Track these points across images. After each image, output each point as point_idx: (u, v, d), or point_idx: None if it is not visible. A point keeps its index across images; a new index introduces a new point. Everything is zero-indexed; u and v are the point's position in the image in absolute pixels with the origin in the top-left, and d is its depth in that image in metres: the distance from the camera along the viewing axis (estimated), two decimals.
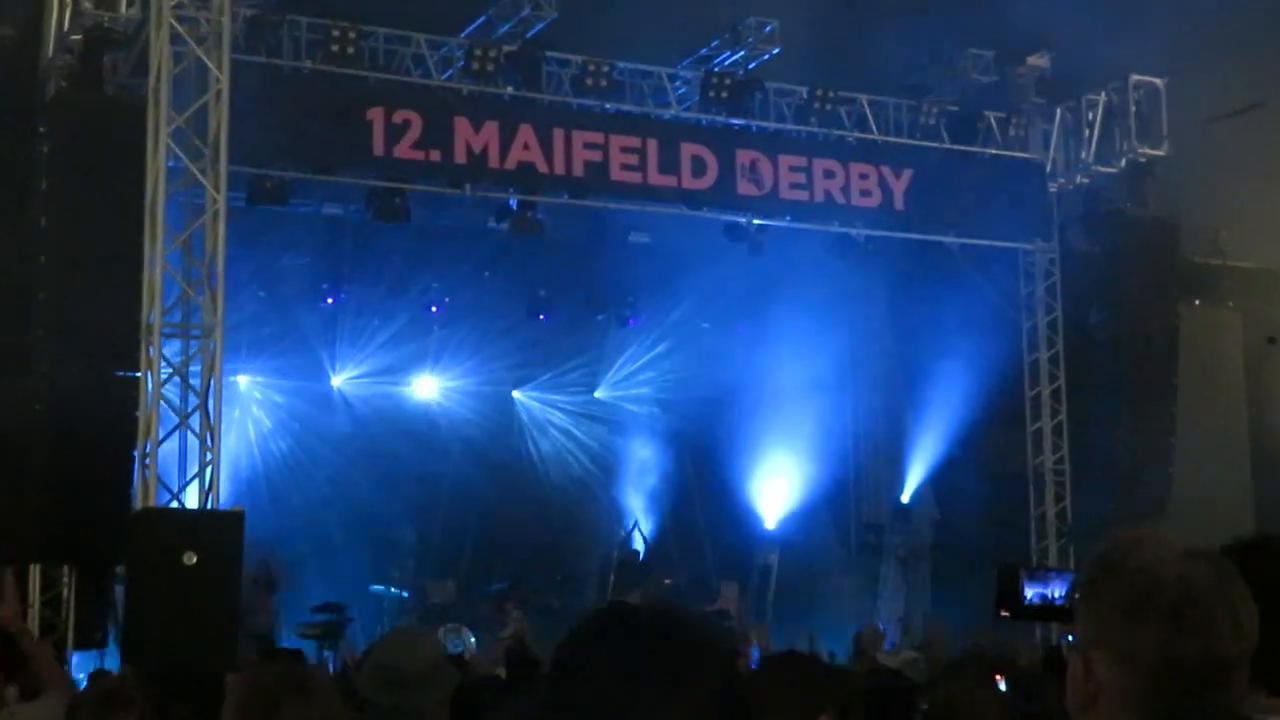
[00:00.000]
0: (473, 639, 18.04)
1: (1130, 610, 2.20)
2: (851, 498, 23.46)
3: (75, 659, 14.29)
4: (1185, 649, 2.18)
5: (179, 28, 14.27)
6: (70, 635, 14.60)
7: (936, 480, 21.85)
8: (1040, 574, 3.03)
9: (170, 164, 14.14)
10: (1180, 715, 2.16)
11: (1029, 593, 3.06)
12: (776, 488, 22.47)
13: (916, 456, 22.21)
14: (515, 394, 22.23)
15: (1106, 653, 2.22)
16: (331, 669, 14.81)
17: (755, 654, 13.81)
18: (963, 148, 19.77)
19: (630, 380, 22.60)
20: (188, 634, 12.26)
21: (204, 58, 14.27)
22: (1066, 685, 2.27)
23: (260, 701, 3.79)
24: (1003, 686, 9.11)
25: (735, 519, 22.31)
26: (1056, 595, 3.03)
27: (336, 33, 16.62)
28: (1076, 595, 2.31)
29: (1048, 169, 20.43)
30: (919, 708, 6.71)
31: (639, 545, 21.69)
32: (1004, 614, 3.21)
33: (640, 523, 21.83)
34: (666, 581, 20.83)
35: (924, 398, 21.78)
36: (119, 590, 14.85)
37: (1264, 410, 22.07)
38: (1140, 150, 19.80)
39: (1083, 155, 20.26)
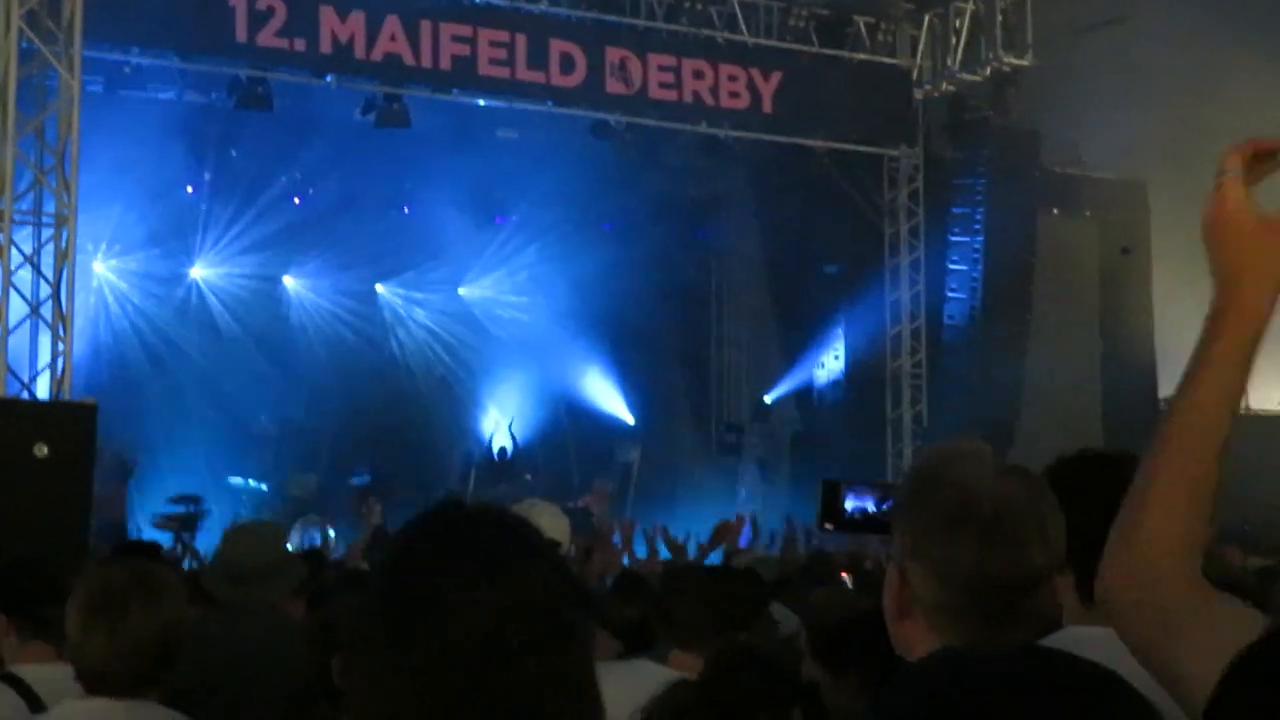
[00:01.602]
0: (332, 532, 17.91)
1: (946, 524, 2.27)
2: (714, 399, 23.80)
3: None
4: (997, 562, 2.26)
5: None
6: None
7: (798, 383, 22.17)
8: (859, 487, 3.11)
9: (23, 46, 13.73)
10: (990, 623, 2.24)
11: (849, 505, 3.15)
12: (639, 387, 22.70)
13: (778, 359, 22.63)
14: (378, 288, 22.11)
15: (921, 564, 2.29)
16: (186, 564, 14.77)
17: (616, 541, 14.08)
18: (831, 52, 19.83)
19: (495, 279, 22.59)
20: (38, 528, 11.98)
21: None
22: (883, 595, 2.34)
23: (108, 602, 3.77)
24: (849, 584, 9.38)
25: (598, 418, 22.53)
26: (872, 508, 3.12)
27: None
28: (895, 508, 2.38)
29: (914, 76, 20.58)
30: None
31: (505, 443, 21.75)
32: (827, 526, 3.31)
33: (514, 422, 21.85)
34: (528, 477, 20.99)
35: (788, 301, 22.21)
36: None
37: (1116, 319, 22.52)
38: (1005, 59, 19.95)
39: (949, 63, 20.40)
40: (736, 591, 5.33)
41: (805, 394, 22.20)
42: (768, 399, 22.78)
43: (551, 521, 6.46)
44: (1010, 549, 2.25)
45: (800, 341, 21.94)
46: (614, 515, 19.49)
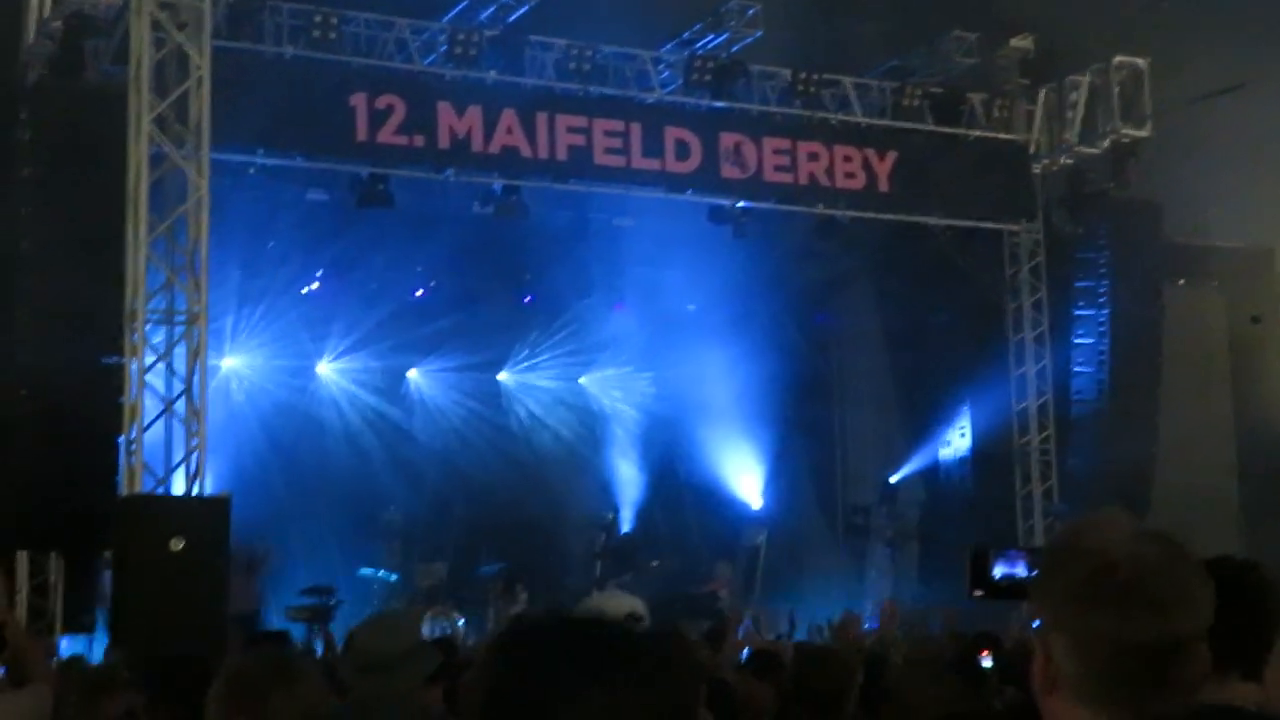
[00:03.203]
0: (461, 621, 18.26)
1: (1081, 594, 2.21)
2: (839, 480, 23.60)
3: (64, 643, 14.27)
4: (1137, 628, 2.19)
5: (159, 14, 14.23)
6: (58, 621, 14.60)
7: (924, 462, 21.94)
8: (1009, 554, 3.07)
9: (152, 151, 14.10)
10: (1137, 694, 2.17)
11: (998, 572, 3.11)
12: (764, 470, 22.60)
13: (903, 439, 22.44)
14: (501, 378, 22.26)
15: (1062, 636, 2.23)
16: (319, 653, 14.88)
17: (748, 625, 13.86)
18: (946, 129, 19.78)
19: (616, 364, 22.67)
20: (175, 620, 12.22)
21: (185, 44, 14.21)
22: (1033, 670, 2.28)
23: (246, 690, 3.80)
24: (988, 663, 9.18)
25: (722, 501, 22.45)
26: (1022, 574, 3.07)
27: (318, 18, 16.50)
28: (1034, 582, 2.33)
29: (1031, 150, 20.46)
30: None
31: (628, 532, 21.72)
32: (977, 593, 3.26)
33: (619, 513, 21.86)
34: (654, 564, 20.90)
35: (910, 381, 22.09)
36: (107, 575, 14.75)
37: (1249, 389, 22.14)
38: (1123, 131, 19.80)
39: (1066, 136, 20.26)
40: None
41: (931, 474, 21.98)
42: (893, 480, 22.58)
43: (629, 602, 6.37)
44: (1150, 614, 2.18)
45: (924, 421, 21.77)
46: (742, 600, 19.63)
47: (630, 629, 1.92)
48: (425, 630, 16.24)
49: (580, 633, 1.88)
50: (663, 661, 1.86)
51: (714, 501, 22.35)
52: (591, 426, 22.60)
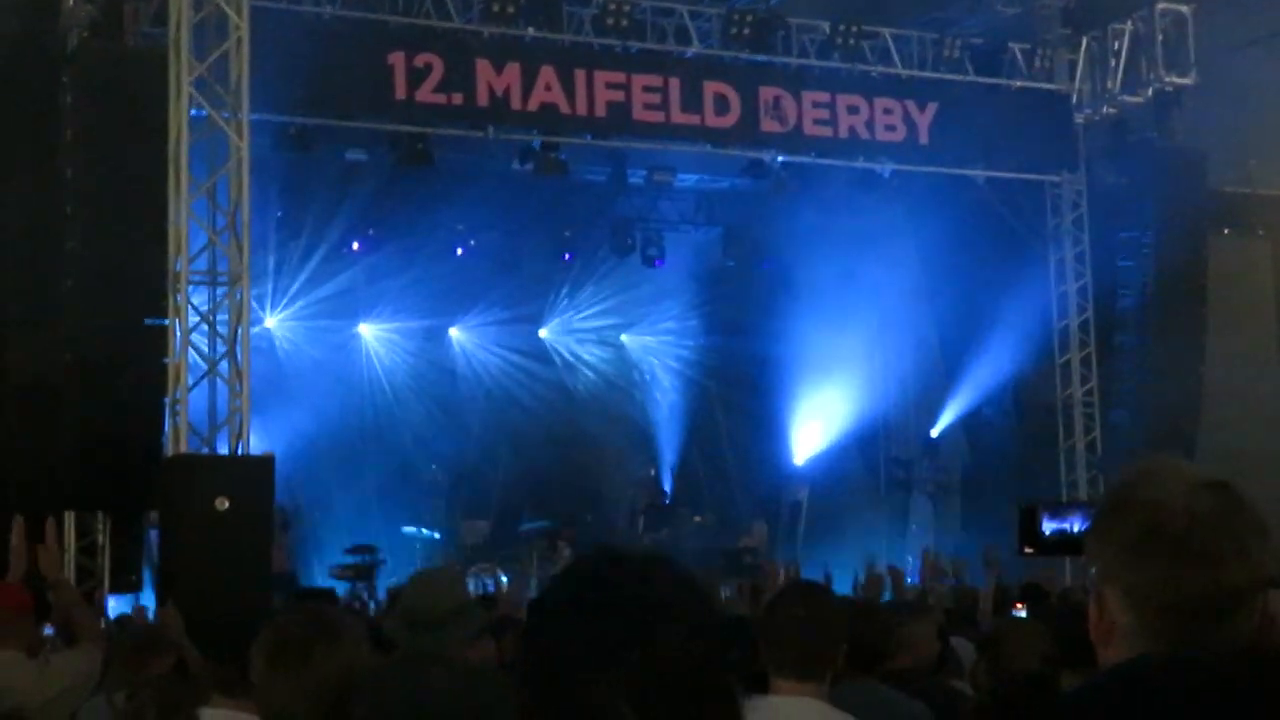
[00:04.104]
0: (505, 579, 18.25)
1: (1135, 546, 2.18)
2: (881, 434, 23.44)
3: (111, 601, 14.48)
4: (1189, 582, 2.17)
5: None
6: (106, 580, 14.77)
7: (966, 415, 21.79)
8: (1059, 509, 3.04)
9: (193, 113, 14.12)
10: (1186, 645, 2.14)
11: (1048, 528, 3.08)
12: (806, 425, 22.47)
13: (946, 391, 22.20)
14: (542, 334, 22.25)
15: (1116, 588, 2.21)
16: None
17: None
18: (988, 80, 19.63)
19: (657, 321, 22.61)
20: (221, 579, 12.25)
21: (224, 5, 14.19)
22: (1089, 620, 2.26)
23: (289, 647, 3.82)
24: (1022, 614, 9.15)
25: (765, 457, 22.37)
26: (1076, 529, 3.04)
27: None
28: (1088, 534, 2.30)
29: (1073, 100, 20.28)
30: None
31: (669, 488, 21.73)
32: (1028, 550, 3.23)
33: (660, 470, 21.82)
34: (696, 519, 20.95)
35: (953, 333, 21.87)
36: (153, 535, 15.07)
37: None
38: (1167, 79, 19.60)
39: (1109, 85, 20.07)
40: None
41: (974, 426, 21.86)
42: (934, 432, 22.50)
43: None
44: (1204, 567, 2.15)
45: (966, 373, 21.57)
46: (785, 555, 19.45)
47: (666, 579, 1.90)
48: (470, 587, 16.23)
49: (612, 595, 1.87)
50: (696, 625, 1.86)
51: (755, 457, 22.26)
52: (632, 383, 22.59)
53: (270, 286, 19.82)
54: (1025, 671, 5.16)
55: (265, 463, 13.70)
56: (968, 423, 21.99)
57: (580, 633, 1.83)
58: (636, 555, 1.95)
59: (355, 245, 20.34)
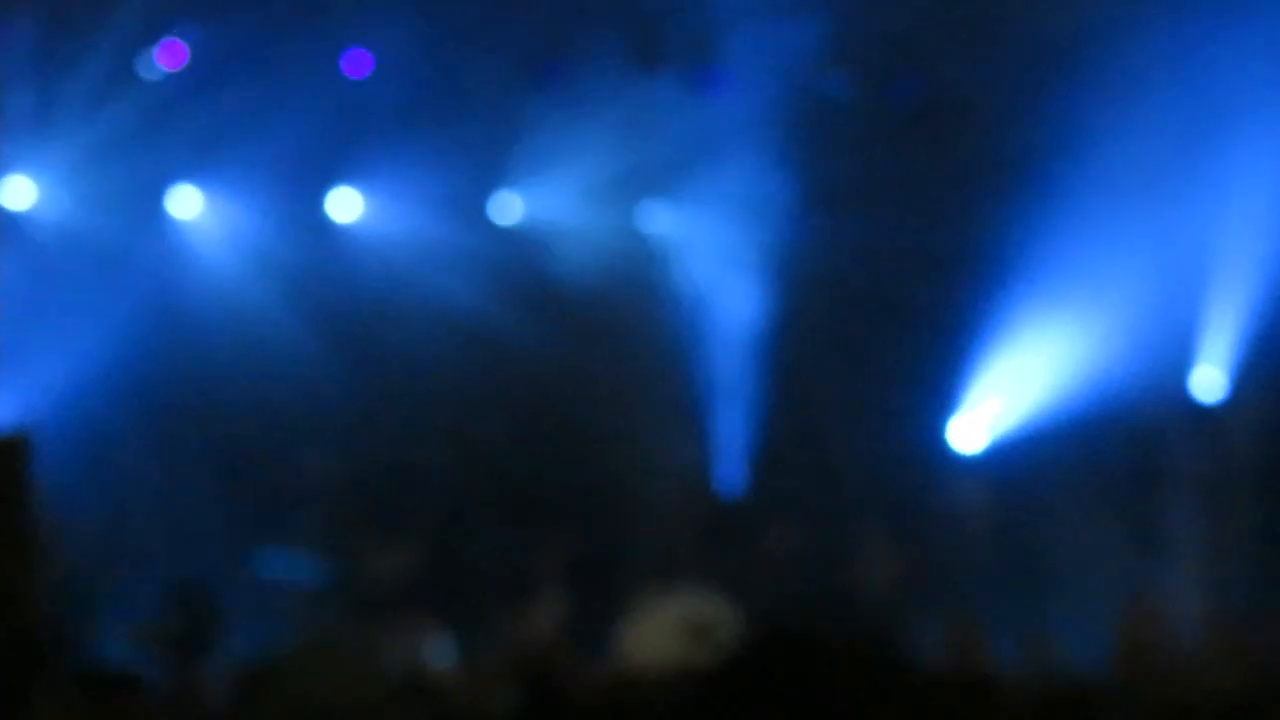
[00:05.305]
0: (455, 647, 12.84)
1: None
2: (1113, 397, 16.25)
3: None
4: None
5: None
6: None
7: (1255, 368, 15.61)
8: None
9: None
10: None
11: None
12: (981, 381, 15.78)
13: (1214, 326, 15.91)
14: (505, 209, 15.33)
15: None
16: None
17: None
18: None
19: (705, 190, 15.29)
20: None
21: None
22: None
23: None
24: None
25: (900, 438, 15.54)
26: None
27: None
28: None
29: None
30: None
31: (722, 484, 15.26)
32: None
33: (712, 458, 15.56)
34: (775, 539, 14.59)
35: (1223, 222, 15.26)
36: None
37: None
38: None
39: None
40: None
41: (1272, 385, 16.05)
42: (1206, 394, 16.50)
43: (705, 611, 5.47)
44: None
45: (1246, 293, 16.00)
46: (944, 601, 14.74)
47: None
48: (389, 662, 11.27)
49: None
50: None
51: (883, 436, 15.33)
52: (661, 299, 15.40)
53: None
54: None
55: (15, 447, 9.53)
56: (1259, 380, 15.73)
57: None
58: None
59: (170, 60, 13.67)
